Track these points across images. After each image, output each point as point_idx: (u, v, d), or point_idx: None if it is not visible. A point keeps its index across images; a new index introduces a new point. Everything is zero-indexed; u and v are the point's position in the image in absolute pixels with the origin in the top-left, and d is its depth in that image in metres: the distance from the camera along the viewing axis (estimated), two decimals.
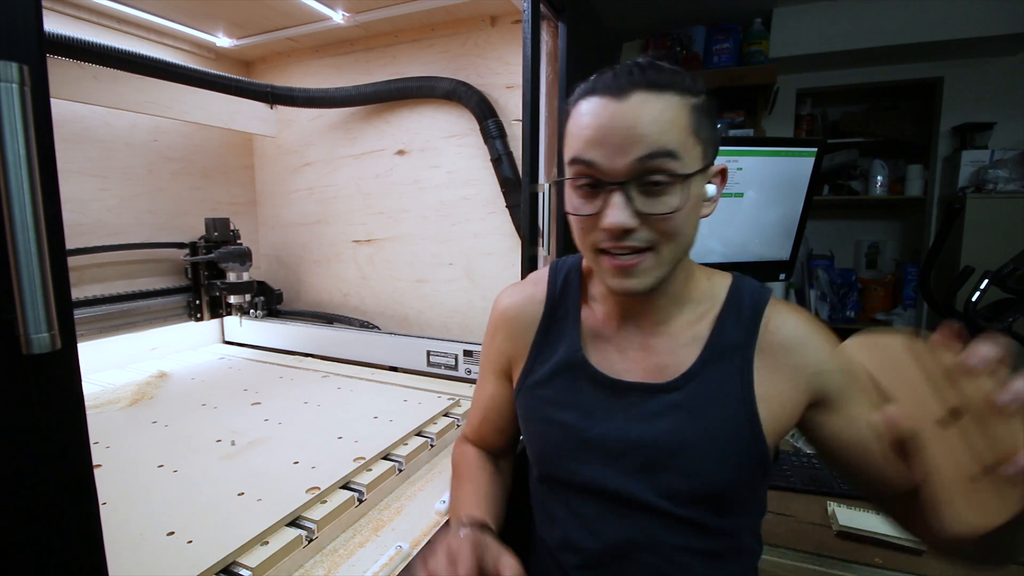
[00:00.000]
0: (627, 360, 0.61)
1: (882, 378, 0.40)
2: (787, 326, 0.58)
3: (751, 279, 0.63)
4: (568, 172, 0.54)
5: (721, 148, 1.16)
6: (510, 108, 1.33)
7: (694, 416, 0.57)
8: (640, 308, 0.60)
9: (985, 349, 0.35)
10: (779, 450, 1.07)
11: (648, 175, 0.50)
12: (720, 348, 0.58)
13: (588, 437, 0.61)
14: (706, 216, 0.57)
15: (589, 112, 0.52)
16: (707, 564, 0.59)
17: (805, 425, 0.59)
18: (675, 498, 0.58)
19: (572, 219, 0.57)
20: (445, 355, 1.27)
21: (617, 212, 0.50)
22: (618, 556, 0.60)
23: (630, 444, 0.58)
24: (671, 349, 0.60)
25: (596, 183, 0.52)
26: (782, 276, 1.36)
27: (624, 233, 0.51)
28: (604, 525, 0.61)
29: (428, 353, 1.29)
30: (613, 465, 0.60)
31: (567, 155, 0.55)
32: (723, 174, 0.58)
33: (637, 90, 0.50)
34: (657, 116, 0.50)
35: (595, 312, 0.65)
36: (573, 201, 0.55)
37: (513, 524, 0.69)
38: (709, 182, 0.56)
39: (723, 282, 0.62)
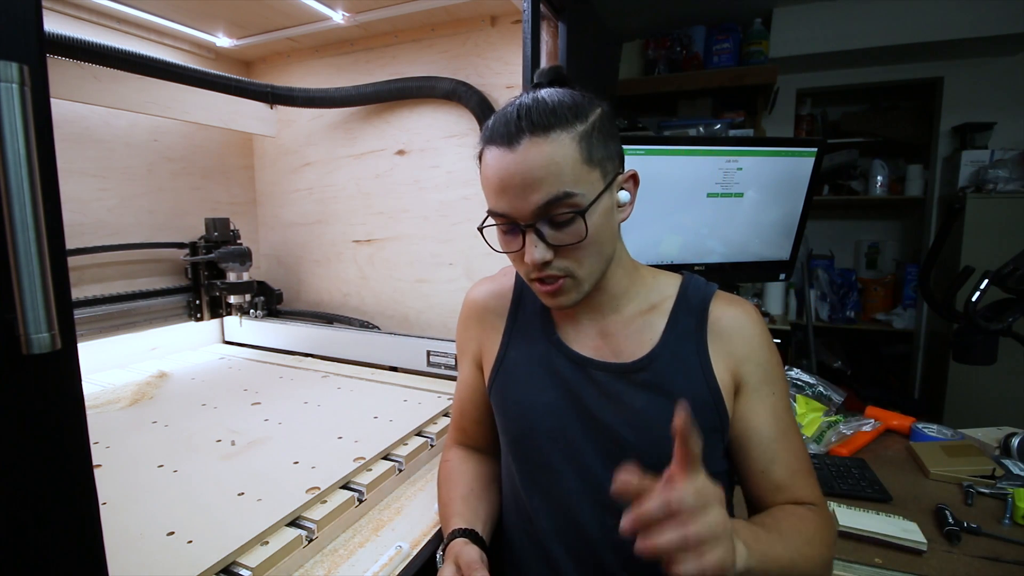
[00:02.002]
0: (588, 345, 0.66)
1: None
2: (726, 316, 0.64)
3: (698, 277, 0.69)
4: (491, 219, 0.60)
5: (722, 148, 1.17)
6: None
7: (662, 392, 0.62)
8: (590, 301, 0.65)
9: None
10: None
11: (552, 214, 0.55)
12: (676, 335, 0.64)
13: (568, 416, 0.64)
14: (623, 220, 0.62)
15: (490, 164, 0.57)
16: None
17: None
18: (651, 474, 0.60)
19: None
20: (445, 355, 1.27)
21: (533, 250, 0.56)
22: (598, 539, 0.62)
23: (607, 422, 0.62)
24: (626, 334, 0.65)
25: (513, 226, 0.57)
26: (782, 276, 1.36)
27: (544, 264, 0.57)
28: (584, 509, 0.63)
29: (428, 353, 1.29)
30: (592, 444, 0.63)
31: (487, 203, 0.59)
32: (634, 179, 0.62)
33: (524, 136, 0.54)
34: (547, 161, 0.53)
35: None
36: (501, 240, 0.61)
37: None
38: (621, 188, 0.61)
39: (672, 281, 0.69)
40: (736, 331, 0.63)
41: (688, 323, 0.64)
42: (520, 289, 0.73)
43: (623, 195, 0.60)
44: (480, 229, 0.61)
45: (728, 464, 0.65)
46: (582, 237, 0.55)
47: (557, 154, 0.53)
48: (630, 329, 0.65)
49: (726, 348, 0.63)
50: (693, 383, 0.61)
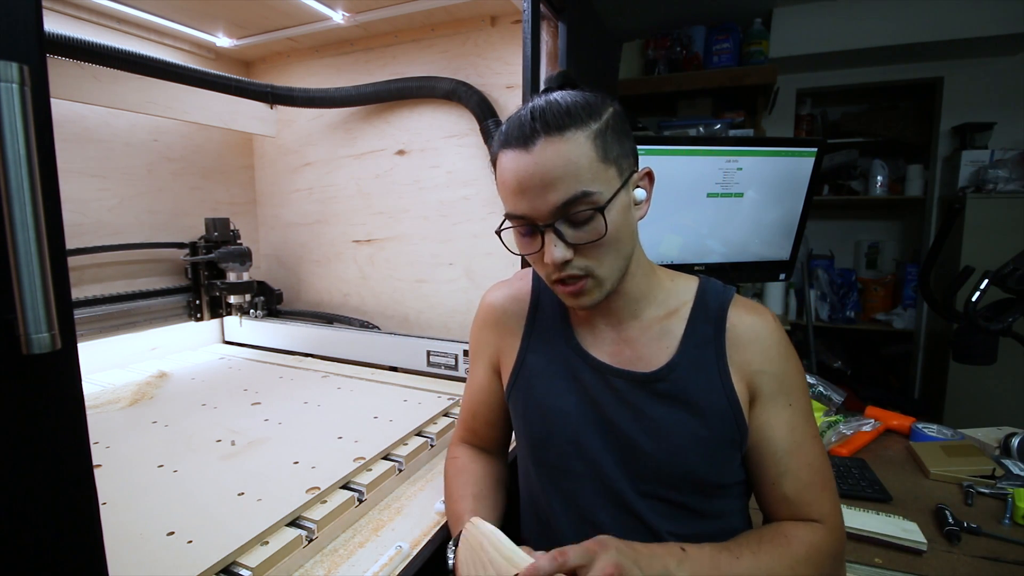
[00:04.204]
0: (607, 351, 0.66)
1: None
2: (743, 324, 0.63)
3: (715, 280, 0.68)
4: (509, 222, 0.60)
5: (722, 148, 1.17)
6: (510, 108, 1.33)
7: (681, 402, 0.61)
8: (608, 306, 0.65)
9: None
10: None
11: (570, 213, 0.55)
12: (694, 343, 0.63)
13: (588, 422, 0.64)
14: (641, 218, 0.62)
15: (506, 167, 0.56)
16: None
17: None
18: (668, 483, 0.61)
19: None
20: (445, 355, 1.27)
21: (553, 250, 0.56)
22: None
23: (625, 431, 0.62)
24: (645, 341, 0.65)
25: (532, 227, 0.57)
26: (782, 276, 1.36)
27: (564, 264, 0.57)
28: (604, 511, 0.63)
29: (428, 353, 1.29)
30: (609, 451, 0.63)
31: (504, 207, 0.59)
32: (649, 176, 0.62)
33: (539, 137, 0.54)
34: (564, 161, 0.53)
35: (572, 309, 0.68)
36: (519, 243, 0.61)
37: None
38: (637, 187, 0.61)
39: (689, 284, 0.68)
40: (753, 340, 0.62)
41: (706, 330, 0.63)
42: (538, 293, 0.72)
43: (639, 193, 0.60)
44: (498, 233, 0.60)
45: (744, 474, 0.65)
46: (602, 234, 0.55)
47: (573, 153, 0.53)
48: (648, 336, 0.64)
49: (743, 357, 0.62)
50: (712, 393, 0.61)
